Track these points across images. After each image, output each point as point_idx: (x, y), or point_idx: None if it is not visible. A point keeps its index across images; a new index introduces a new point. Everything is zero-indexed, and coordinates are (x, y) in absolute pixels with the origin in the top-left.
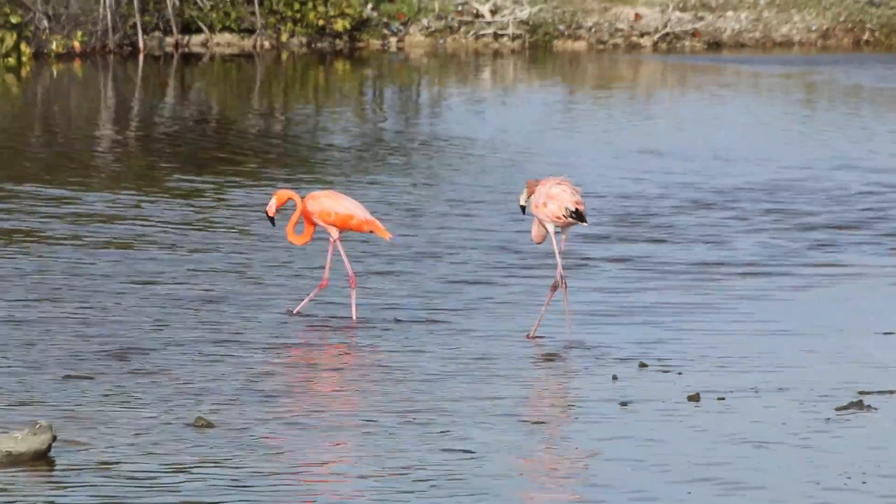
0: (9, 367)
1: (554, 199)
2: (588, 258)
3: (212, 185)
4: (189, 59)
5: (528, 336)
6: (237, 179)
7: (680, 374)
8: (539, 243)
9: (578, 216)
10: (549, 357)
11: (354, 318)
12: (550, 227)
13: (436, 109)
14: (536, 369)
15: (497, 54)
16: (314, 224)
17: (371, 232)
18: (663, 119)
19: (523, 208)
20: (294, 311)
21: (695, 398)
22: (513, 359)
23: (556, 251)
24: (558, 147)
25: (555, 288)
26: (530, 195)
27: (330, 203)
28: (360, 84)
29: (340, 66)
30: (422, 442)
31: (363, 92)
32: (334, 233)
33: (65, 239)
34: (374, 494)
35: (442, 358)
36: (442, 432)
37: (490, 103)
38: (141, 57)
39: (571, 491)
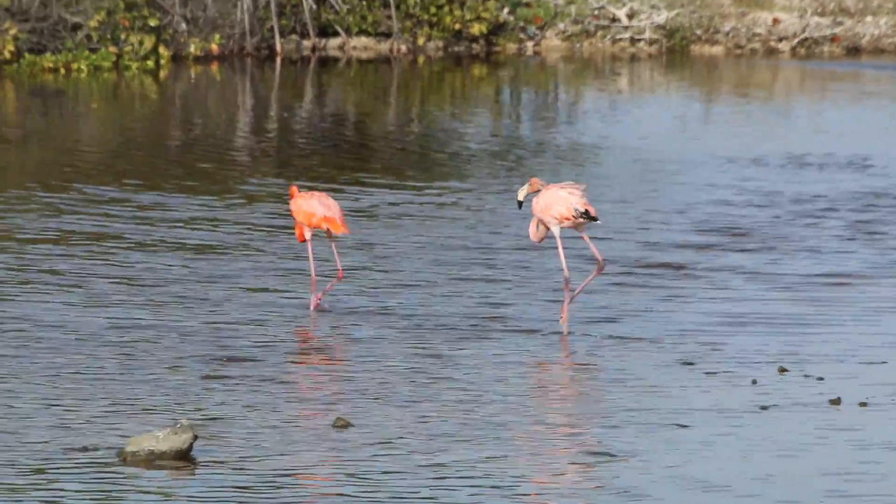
0: (149, 368)
1: (561, 202)
2: (714, 268)
3: (346, 188)
4: (326, 62)
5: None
6: (371, 182)
7: (821, 379)
8: (538, 242)
9: (588, 216)
10: (688, 362)
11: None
12: (555, 229)
13: (572, 114)
14: (675, 373)
15: (634, 59)
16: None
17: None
18: (802, 125)
19: (520, 203)
20: (312, 307)
21: (836, 403)
22: (649, 365)
23: (560, 250)
24: (693, 152)
25: (567, 283)
26: (531, 191)
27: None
28: (496, 88)
29: (477, 69)
30: (569, 446)
31: (499, 96)
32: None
33: (207, 246)
34: (508, 492)
35: (593, 367)
36: (584, 436)
37: (626, 108)
38: (278, 60)
39: (715, 496)
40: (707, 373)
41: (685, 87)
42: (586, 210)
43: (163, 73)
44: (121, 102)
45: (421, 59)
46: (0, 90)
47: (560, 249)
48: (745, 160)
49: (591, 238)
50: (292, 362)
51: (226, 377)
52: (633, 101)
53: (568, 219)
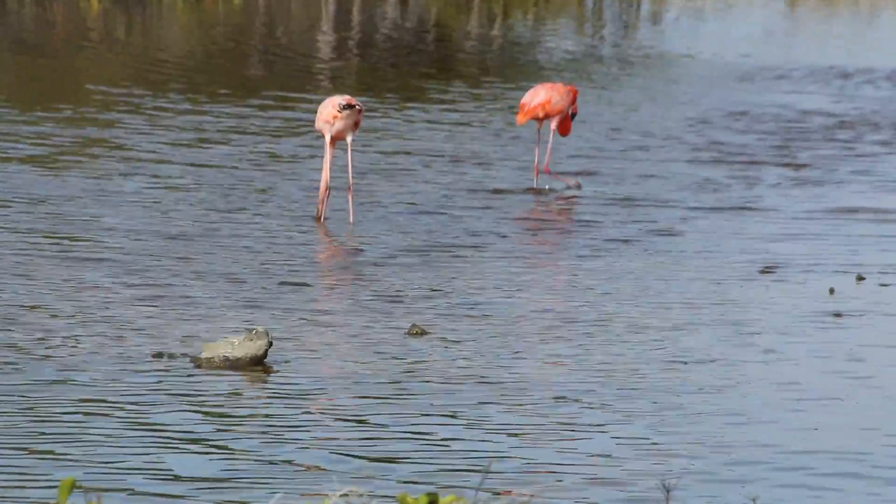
0: (225, 274)
1: (327, 103)
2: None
3: (426, 97)
4: None
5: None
6: (456, 89)
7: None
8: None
9: (350, 107)
10: (768, 269)
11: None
12: (327, 136)
13: (655, 23)
14: (752, 281)
15: None
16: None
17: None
18: (885, 37)
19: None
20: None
21: None
22: (725, 269)
23: (327, 158)
24: (774, 64)
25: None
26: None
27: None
28: None
29: None
30: (644, 352)
31: (582, 5)
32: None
33: (291, 155)
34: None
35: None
36: (660, 341)
37: (710, 18)
38: None
39: (781, 400)
40: (784, 281)
41: None
42: (349, 103)
43: None
44: (204, 10)
45: None
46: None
47: (329, 155)
48: (822, 71)
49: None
50: (372, 269)
51: (305, 284)
52: (718, 9)
53: (335, 116)
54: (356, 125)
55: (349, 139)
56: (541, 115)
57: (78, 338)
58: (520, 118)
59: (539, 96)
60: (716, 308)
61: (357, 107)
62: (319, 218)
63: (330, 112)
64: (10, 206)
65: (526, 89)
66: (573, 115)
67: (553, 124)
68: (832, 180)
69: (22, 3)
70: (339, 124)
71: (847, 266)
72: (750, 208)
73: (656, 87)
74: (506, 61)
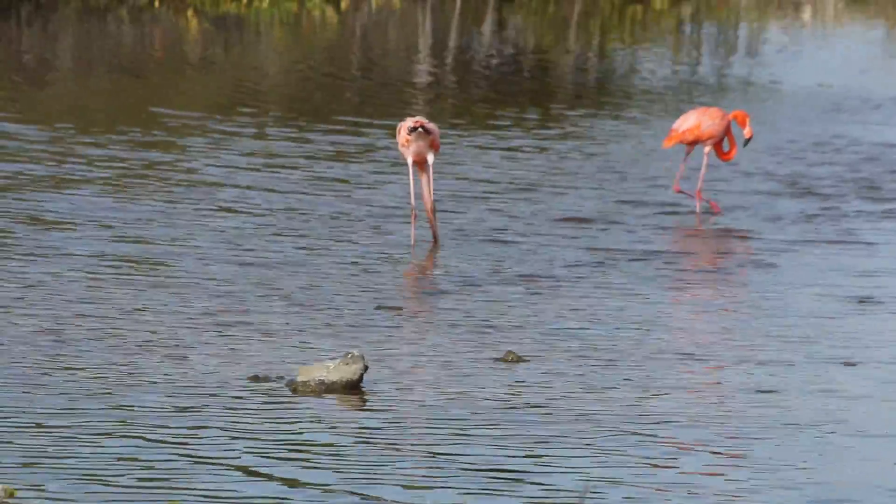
0: (322, 298)
1: (400, 128)
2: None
3: (519, 123)
4: None
5: None
6: (544, 117)
7: None
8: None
9: (416, 130)
10: (865, 299)
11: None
12: (409, 160)
13: (752, 50)
14: (847, 308)
15: None
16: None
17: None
18: None
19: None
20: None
21: None
22: (828, 300)
23: (411, 178)
24: (876, 92)
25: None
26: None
27: None
28: (676, 22)
29: (658, 2)
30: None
31: (680, 31)
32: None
33: (376, 181)
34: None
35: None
36: (754, 374)
37: (809, 45)
38: None
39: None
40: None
41: (870, 22)
42: (416, 126)
43: (344, 4)
44: (300, 33)
45: None
46: (183, 19)
47: (411, 178)
48: None
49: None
50: (465, 296)
51: (399, 308)
52: (816, 36)
53: (408, 140)
54: (434, 146)
55: (430, 160)
56: (689, 139)
57: (162, 364)
58: (666, 142)
59: (689, 121)
60: (824, 340)
61: (422, 129)
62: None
63: (403, 136)
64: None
65: (620, 117)
66: (746, 140)
67: (706, 148)
68: None
69: (120, 22)
70: (413, 147)
71: None
72: (843, 241)
73: (758, 115)
74: (600, 89)
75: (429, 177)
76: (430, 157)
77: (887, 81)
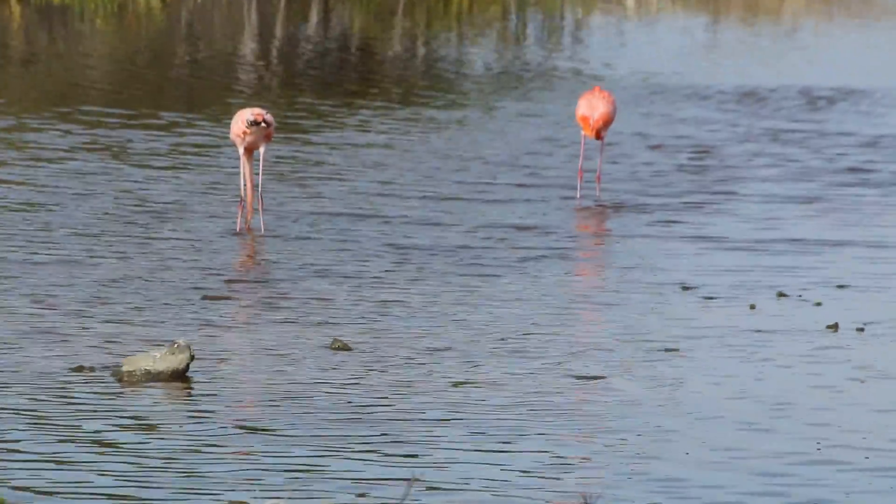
0: (148, 288)
1: (237, 118)
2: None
3: (348, 111)
4: None
5: None
6: (373, 105)
7: (818, 304)
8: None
9: (256, 123)
10: (687, 287)
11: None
12: (240, 149)
13: (576, 39)
14: (672, 296)
15: None
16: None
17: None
18: (806, 52)
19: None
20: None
21: (833, 328)
22: (649, 288)
23: (242, 169)
24: (695, 81)
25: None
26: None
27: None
28: (502, 10)
29: None
30: (558, 373)
31: (506, 19)
32: None
33: (211, 167)
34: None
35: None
36: (565, 362)
37: (631, 33)
38: None
39: (703, 420)
40: (705, 297)
41: (691, 11)
42: (257, 119)
43: None
44: (124, 22)
45: None
46: (7, 9)
47: (242, 167)
48: (739, 90)
49: None
50: (295, 284)
51: (226, 298)
52: (640, 24)
53: (245, 132)
54: (268, 137)
55: (262, 150)
56: (600, 125)
57: None
58: (590, 132)
59: (598, 109)
60: (647, 327)
61: (264, 123)
62: (248, 228)
63: (240, 127)
64: None
65: (443, 107)
66: None
67: (603, 132)
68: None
69: None
70: (249, 138)
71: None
72: (666, 230)
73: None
74: (428, 78)
75: (256, 165)
76: (262, 148)
77: (708, 71)
